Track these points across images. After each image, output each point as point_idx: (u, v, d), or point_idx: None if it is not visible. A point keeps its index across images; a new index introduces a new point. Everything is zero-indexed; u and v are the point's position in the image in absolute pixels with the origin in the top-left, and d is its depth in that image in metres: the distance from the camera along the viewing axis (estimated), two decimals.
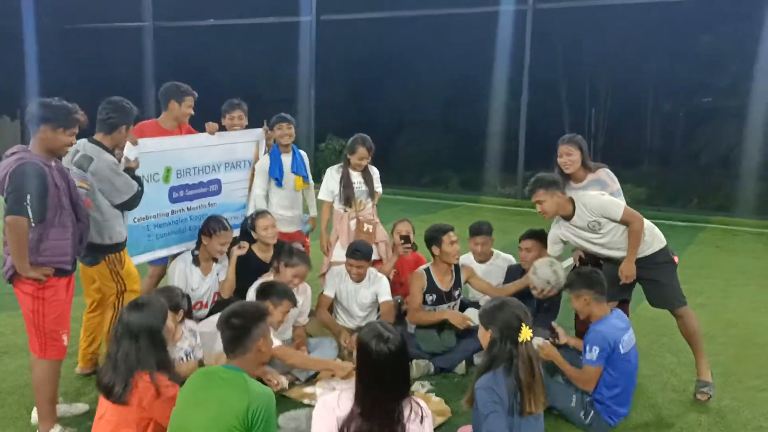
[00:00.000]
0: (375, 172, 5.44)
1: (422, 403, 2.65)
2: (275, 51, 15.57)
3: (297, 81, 15.25)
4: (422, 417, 2.56)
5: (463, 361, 4.51)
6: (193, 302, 4.51)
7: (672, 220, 11.60)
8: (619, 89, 13.68)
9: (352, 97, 15.24)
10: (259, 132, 5.46)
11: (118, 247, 3.95)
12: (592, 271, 3.87)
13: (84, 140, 3.85)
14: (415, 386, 4.13)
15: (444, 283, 4.74)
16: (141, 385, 2.91)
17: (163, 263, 4.95)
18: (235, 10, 15.54)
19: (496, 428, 2.69)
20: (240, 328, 2.78)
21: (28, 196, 3.16)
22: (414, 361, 4.36)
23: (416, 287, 4.69)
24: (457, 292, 4.82)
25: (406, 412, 2.53)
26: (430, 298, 4.72)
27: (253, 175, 5.37)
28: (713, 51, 12.69)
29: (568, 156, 4.52)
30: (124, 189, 3.87)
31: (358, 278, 4.84)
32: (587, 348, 3.60)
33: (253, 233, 4.92)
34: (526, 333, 2.80)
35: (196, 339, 3.91)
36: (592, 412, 3.66)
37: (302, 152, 5.47)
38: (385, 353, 2.51)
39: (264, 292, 3.98)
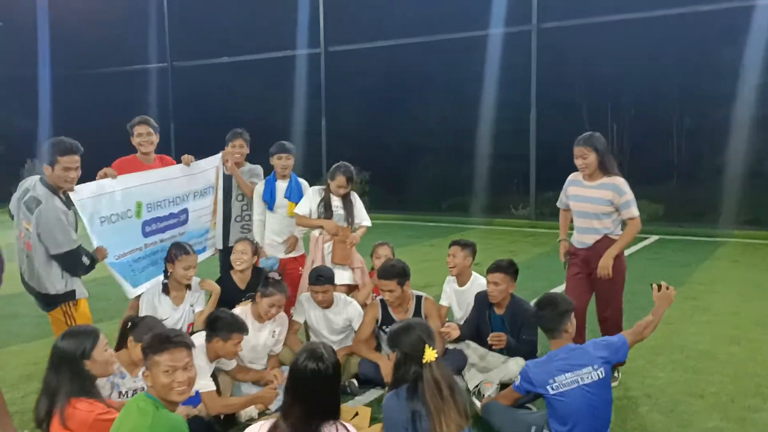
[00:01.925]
0: (358, 202, 5.40)
1: (350, 427, 2.55)
2: (286, 83, 15.80)
3: (308, 112, 15.44)
4: None
5: None
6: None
7: (694, 235, 11.25)
8: (639, 105, 13.45)
9: (362, 126, 15.31)
10: (217, 157, 5.47)
11: (66, 296, 3.98)
12: (544, 305, 3.65)
13: (36, 179, 3.89)
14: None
15: (399, 316, 4.59)
16: (72, 412, 2.87)
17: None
18: (246, 46, 15.89)
19: None
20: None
21: None
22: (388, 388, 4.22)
23: (369, 316, 4.58)
24: None
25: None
26: (387, 330, 4.56)
27: (216, 200, 5.40)
28: (735, 62, 12.33)
29: (583, 159, 4.44)
30: (63, 242, 3.89)
31: (325, 304, 4.73)
32: (518, 376, 3.60)
33: (231, 258, 4.92)
34: (430, 354, 2.73)
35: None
36: None
37: (301, 180, 5.48)
38: (313, 370, 2.47)
39: (212, 326, 3.86)
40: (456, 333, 4.42)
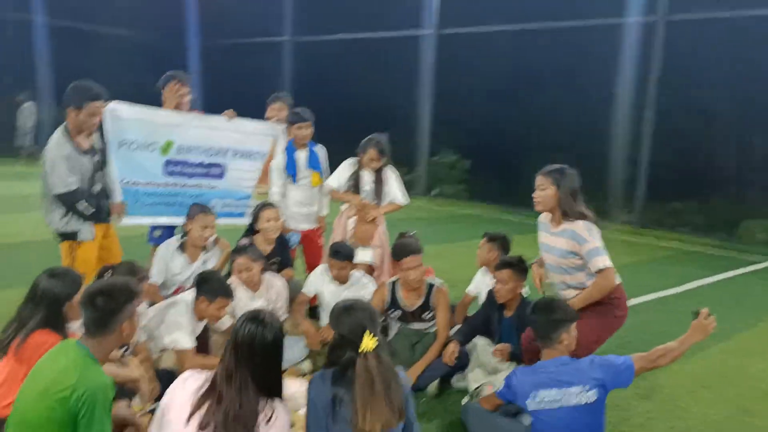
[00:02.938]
0: (392, 179, 5.19)
1: (282, 411, 2.45)
2: (398, 63, 15.68)
3: (416, 94, 15.25)
4: (270, 418, 2.40)
5: (437, 381, 4.06)
6: (173, 287, 4.55)
7: None
8: None
9: (469, 112, 14.81)
10: (278, 128, 5.42)
11: (66, 236, 4.12)
12: (538, 311, 3.27)
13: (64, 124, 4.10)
14: None
15: (409, 301, 4.34)
16: (32, 343, 2.91)
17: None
18: (361, 24, 15.92)
19: (311, 420, 2.57)
20: (105, 308, 2.61)
21: None
22: None
23: (377, 299, 4.36)
24: (428, 315, 4.35)
25: (263, 413, 2.39)
26: (394, 313, 4.38)
27: (266, 167, 5.34)
28: None
29: (539, 190, 3.76)
30: (55, 184, 4.03)
31: (340, 279, 4.59)
32: (503, 381, 3.25)
33: (255, 224, 4.88)
34: (368, 343, 2.50)
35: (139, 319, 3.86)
36: None
37: (319, 147, 5.36)
38: (251, 333, 2.43)
39: (199, 286, 3.82)
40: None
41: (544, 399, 3.04)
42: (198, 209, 4.55)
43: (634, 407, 4.05)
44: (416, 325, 4.38)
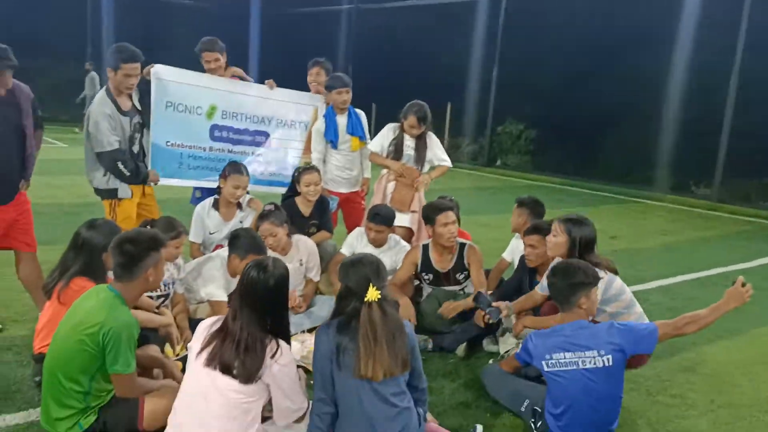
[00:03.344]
0: (434, 143, 5.17)
1: (285, 348, 2.59)
2: (462, 28, 15.35)
3: (479, 62, 14.94)
4: (275, 353, 2.54)
5: (464, 344, 4.04)
6: (212, 246, 4.68)
7: None
8: None
9: (537, 80, 14.30)
10: (318, 98, 5.47)
11: (106, 193, 4.31)
12: (560, 274, 3.15)
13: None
14: None
15: (441, 264, 4.31)
16: (74, 287, 3.12)
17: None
18: None
19: (317, 367, 2.65)
20: (131, 255, 2.80)
21: None
22: None
23: (408, 261, 4.36)
24: (461, 275, 4.32)
25: (268, 347, 2.54)
26: (426, 276, 4.36)
27: (309, 137, 5.40)
28: None
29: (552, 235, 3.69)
30: (98, 143, 4.19)
31: (377, 243, 4.60)
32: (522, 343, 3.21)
33: (297, 186, 4.95)
34: (372, 294, 2.57)
35: (179, 272, 4.03)
36: (541, 422, 3.07)
37: (359, 111, 5.35)
38: (254, 278, 2.58)
39: (231, 243, 3.91)
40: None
41: (559, 361, 2.98)
42: (232, 168, 4.63)
43: (676, 378, 3.90)
44: (449, 287, 4.35)
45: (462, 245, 4.31)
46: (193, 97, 4.84)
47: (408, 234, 5.01)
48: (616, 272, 3.60)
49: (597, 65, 13.27)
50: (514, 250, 4.67)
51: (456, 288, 4.36)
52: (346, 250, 4.75)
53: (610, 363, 2.92)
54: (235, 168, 4.63)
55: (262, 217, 4.30)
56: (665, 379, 3.85)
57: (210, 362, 2.49)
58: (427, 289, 4.47)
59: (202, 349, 2.54)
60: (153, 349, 3.30)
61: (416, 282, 4.62)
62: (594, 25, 13.25)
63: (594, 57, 13.29)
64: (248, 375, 2.45)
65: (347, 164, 5.33)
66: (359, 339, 2.54)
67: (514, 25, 14.40)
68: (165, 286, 3.95)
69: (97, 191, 4.39)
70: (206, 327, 2.63)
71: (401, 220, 4.94)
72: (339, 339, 2.58)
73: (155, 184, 4.67)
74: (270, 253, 4.15)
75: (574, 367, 2.94)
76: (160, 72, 4.69)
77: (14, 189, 3.96)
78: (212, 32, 5.44)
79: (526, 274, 4.17)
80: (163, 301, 3.86)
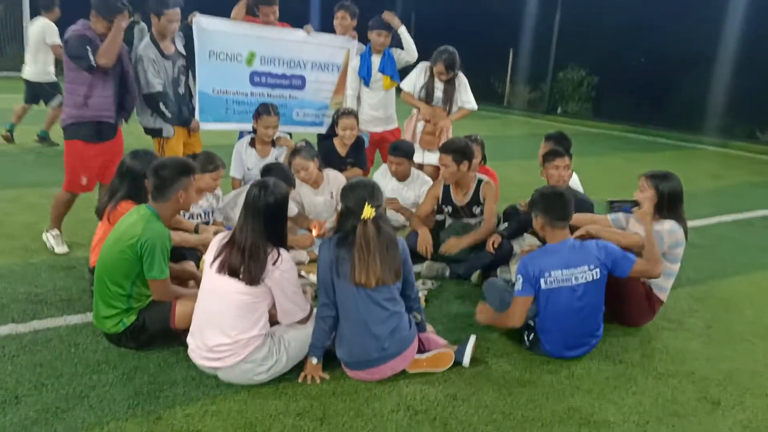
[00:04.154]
0: (462, 86, 5.35)
1: (286, 257, 2.91)
2: None
3: (542, 5, 14.57)
4: (276, 260, 2.85)
5: (478, 271, 4.31)
6: (250, 181, 5.04)
7: None
8: None
9: (600, 27, 13.75)
10: (353, 42, 5.65)
11: (153, 132, 4.73)
12: (553, 195, 3.34)
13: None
14: (416, 284, 4.12)
15: (458, 197, 4.54)
16: (120, 210, 3.55)
17: None
18: None
19: (320, 275, 2.97)
20: (164, 178, 3.21)
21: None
22: (427, 261, 4.38)
23: (430, 195, 4.59)
24: (477, 209, 4.54)
25: (270, 255, 2.87)
26: (446, 209, 4.59)
27: (341, 78, 5.65)
28: None
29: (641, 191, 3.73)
30: (145, 84, 4.60)
31: (399, 176, 4.88)
32: (516, 278, 3.31)
33: (336, 128, 5.25)
34: (367, 211, 2.87)
35: (217, 202, 4.45)
36: (533, 335, 3.31)
37: (395, 52, 5.53)
38: (255, 195, 2.90)
39: (263, 175, 4.17)
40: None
41: (556, 278, 3.21)
42: (262, 110, 4.95)
43: (679, 305, 4.07)
44: (467, 220, 4.61)
45: (479, 181, 4.53)
46: (233, 45, 5.15)
47: (437, 172, 5.23)
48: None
49: (660, 10, 12.76)
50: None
51: (472, 221, 4.60)
52: None
53: (597, 276, 3.21)
54: (264, 109, 4.94)
55: (294, 153, 4.65)
56: (668, 307, 3.97)
57: (221, 269, 2.87)
58: (448, 220, 4.73)
59: (214, 259, 2.91)
60: (189, 264, 3.75)
61: (441, 217, 4.87)
62: None
63: (658, 1, 12.80)
64: (252, 278, 2.81)
65: (379, 103, 5.57)
66: (354, 251, 2.86)
67: None
68: (205, 214, 4.40)
69: (146, 130, 4.83)
70: (218, 240, 3.00)
71: (430, 158, 5.20)
72: (338, 251, 2.91)
73: (196, 131, 5.04)
74: (300, 185, 4.52)
75: (569, 283, 3.19)
76: (202, 22, 5.01)
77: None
78: None
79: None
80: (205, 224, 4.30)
